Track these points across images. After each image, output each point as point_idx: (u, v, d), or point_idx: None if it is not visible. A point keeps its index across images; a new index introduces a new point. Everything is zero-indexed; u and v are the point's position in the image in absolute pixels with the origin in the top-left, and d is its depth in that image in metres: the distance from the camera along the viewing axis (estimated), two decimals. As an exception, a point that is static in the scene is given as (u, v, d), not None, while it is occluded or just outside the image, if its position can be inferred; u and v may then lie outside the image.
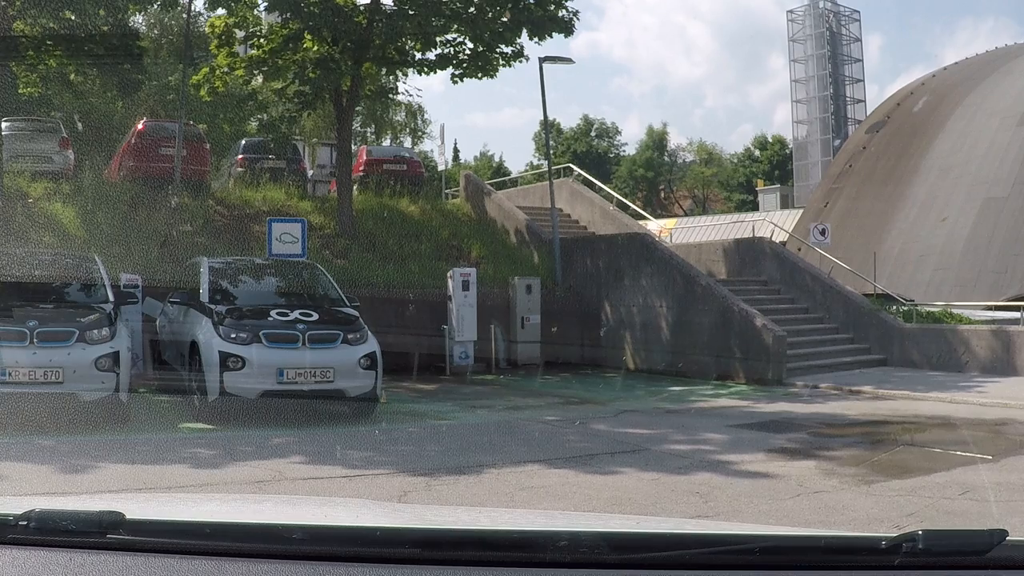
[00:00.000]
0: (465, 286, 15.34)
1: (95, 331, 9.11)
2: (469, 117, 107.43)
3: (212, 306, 10.24)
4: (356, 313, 10.82)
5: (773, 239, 20.05)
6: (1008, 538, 1.48)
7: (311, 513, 2.08)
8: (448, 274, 15.65)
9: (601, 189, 26.70)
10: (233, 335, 9.75)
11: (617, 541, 1.57)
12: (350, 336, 10.19)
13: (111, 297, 9.87)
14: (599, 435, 9.69)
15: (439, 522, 1.97)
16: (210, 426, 9.60)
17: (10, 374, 8.65)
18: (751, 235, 21.40)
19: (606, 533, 1.60)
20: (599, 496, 6.70)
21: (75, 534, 1.48)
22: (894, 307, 16.83)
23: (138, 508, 1.80)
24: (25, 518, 1.49)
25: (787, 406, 11.76)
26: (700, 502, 6.46)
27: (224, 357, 9.60)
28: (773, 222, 26.21)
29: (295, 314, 10.26)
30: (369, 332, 10.47)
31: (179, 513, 1.89)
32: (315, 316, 10.35)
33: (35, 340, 8.77)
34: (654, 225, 26.67)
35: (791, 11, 49.92)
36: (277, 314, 10.25)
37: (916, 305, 17.06)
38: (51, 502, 1.63)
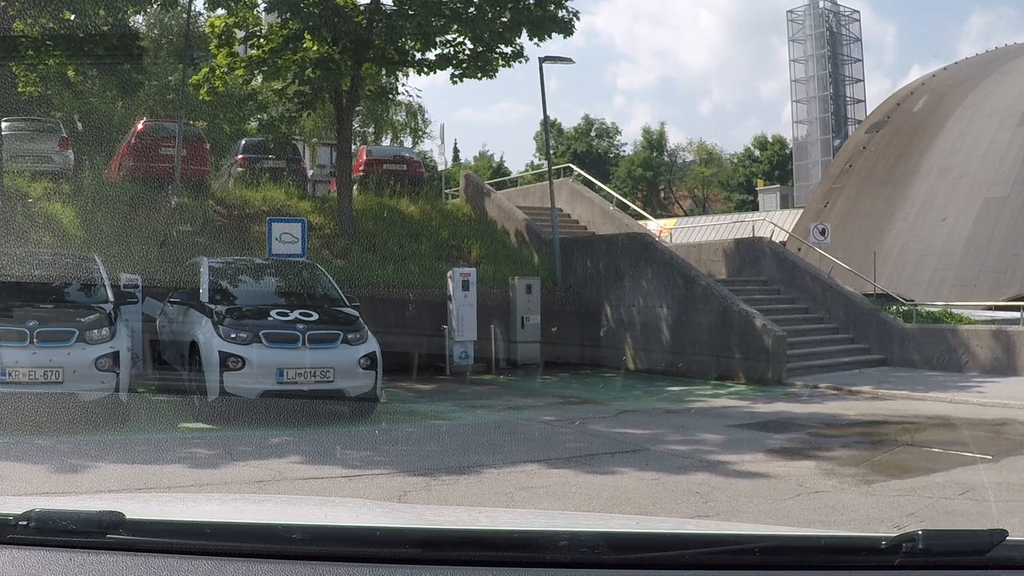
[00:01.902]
0: (465, 286, 15.34)
1: (95, 331, 9.11)
2: (468, 113, 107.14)
3: (212, 306, 10.24)
4: (356, 313, 10.82)
5: (773, 239, 20.05)
6: (1008, 538, 1.48)
7: (311, 513, 2.07)
8: (448, 274, 15.65)
9: (601, 189, 26.72)
10: (233, 335, 9.75)
11: (617, 541, 1.57)
12: (350, 336, 10.19)
13: (111, 297, 9.86)
14: (599, 435, 9.69)
15: (439, 522, 1.97)
16: (210, 426, 9.59)
17: (10, 374, 8.65)
18: (751, 235, 21.41)
19: (606, 533, 1.60)
20: (599, 496, 6.70)
21: (75, 534, 1.48)
22: (894, 307, 16.81)
23: (138, 508, 1.79)
24: (25, 518, 1.49)
25: (787, 406, 11.76)
26: (700, 502, 6.46)
27: (224, 357, 9.60)
28: (773, 222, 26.19)
29: (295, 314, 10.26)
30: (369, 332, 10.47)
31: (179, 513, 1.88)
32: (315, 316, 10.35)
33: (35, 340, 8.77)
34: (654, 225, 26.68)
35: (791, 11, 49.94)
36: (277, 314, 10.25)
37: (916, 305, 17.04)
38: (51, 502, 1.63)
